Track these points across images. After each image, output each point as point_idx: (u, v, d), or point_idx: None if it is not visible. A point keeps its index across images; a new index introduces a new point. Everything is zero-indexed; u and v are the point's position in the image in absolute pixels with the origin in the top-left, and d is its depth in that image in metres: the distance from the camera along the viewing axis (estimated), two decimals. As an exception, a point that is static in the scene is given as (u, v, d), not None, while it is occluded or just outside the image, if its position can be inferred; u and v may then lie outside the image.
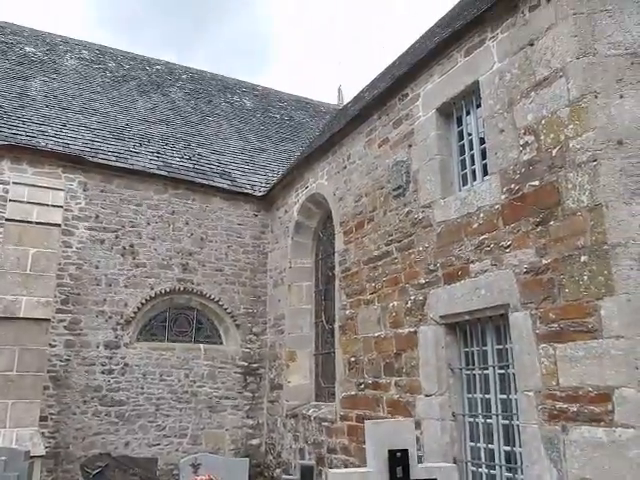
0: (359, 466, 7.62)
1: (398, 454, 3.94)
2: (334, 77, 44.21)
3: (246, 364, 10.81)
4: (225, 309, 10.83)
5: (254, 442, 10.52)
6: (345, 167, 8.98)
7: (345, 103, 16.14)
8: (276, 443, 10.14)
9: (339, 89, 18.90)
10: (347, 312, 8.43)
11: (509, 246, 5.51)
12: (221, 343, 10.86)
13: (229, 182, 11.62)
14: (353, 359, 8.11)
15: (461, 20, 6.93)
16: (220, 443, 10.14)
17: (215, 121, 14.07)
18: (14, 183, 9.35)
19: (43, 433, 8.51)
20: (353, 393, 8.00)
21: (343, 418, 8.18)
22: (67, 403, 9.18)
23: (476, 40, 6.28)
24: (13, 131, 10.04)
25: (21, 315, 8.37)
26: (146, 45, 48.52)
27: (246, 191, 11.65)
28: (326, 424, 8.58)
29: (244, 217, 11.53)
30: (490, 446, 5.81)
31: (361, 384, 7.83)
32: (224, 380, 10.52)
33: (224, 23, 51.09)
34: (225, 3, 51.52)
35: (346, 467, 7.87)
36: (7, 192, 9.27)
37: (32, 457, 6.79)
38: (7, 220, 8.90)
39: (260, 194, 11.69)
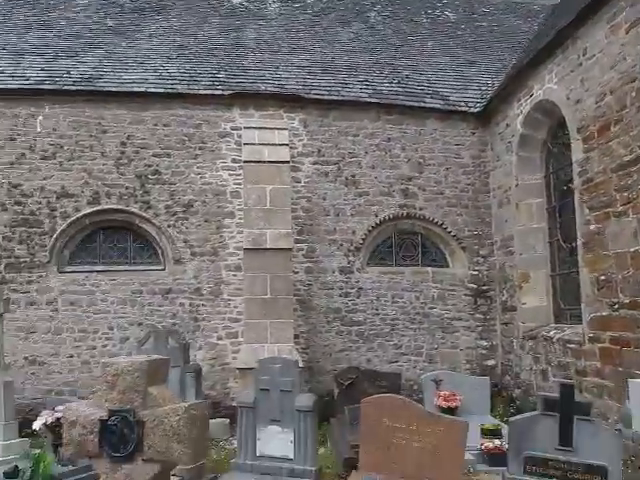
0: (613, 390, 7.12)
1: None
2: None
3: (475, 286, 10.65)
4: (449, 232, 10.68)
5: (489, 363, 10.47)
6: (580, 64, 7.90)
7: (563, -7, 14.12)
8: (513, 364, 9.94)
9: (552, -21, 16.58)
10: (592, 227, 7.64)
11: None
12: (448, 266, 10.82)
13: (441, 101, 11.15)
14: (603, 277, 7.38)
15: None
16: (455, 363, 10.30)
17: (419, 40, 13.47)
18: (245, 128, 10.16)
19: (297, 349, 9.50)
20: (605, 314, 7.33)
21: (593, 340, 7.60)
22: (313, 323, 10.10)
23: None
24: (237, 80, 10.84)
25: (267, 246, 9.26)
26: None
27: (460, 109, 11.08)
28: (572, 346, 8.08)
29: (461, 137, 11.03)
30: None
31: (615, 304, 7.12)
32: (454, 302, 10.54)
33: None
34: None
35: (599, 390, 7.40)
36: (240, 137, 10.12)
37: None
38: (245, 162, 9.76)
39: (476, 110, 11.02)
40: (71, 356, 9.48)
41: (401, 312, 10.45)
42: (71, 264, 9.78)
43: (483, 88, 11.54)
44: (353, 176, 10.56)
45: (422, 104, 11.00)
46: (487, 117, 10.99)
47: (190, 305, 9.77)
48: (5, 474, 5.93)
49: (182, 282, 9.80)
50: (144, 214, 9.77)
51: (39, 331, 9.42)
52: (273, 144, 9.91)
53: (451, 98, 11.25)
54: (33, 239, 9.52)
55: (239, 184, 9.94)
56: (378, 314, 10.38)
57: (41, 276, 9.50)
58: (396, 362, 10.28)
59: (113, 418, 2.77)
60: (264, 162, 9.65)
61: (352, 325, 10.27)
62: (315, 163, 10.48)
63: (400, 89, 11.27)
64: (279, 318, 9.07)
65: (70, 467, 6.38)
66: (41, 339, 9.41)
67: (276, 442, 6.18)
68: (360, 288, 10.38)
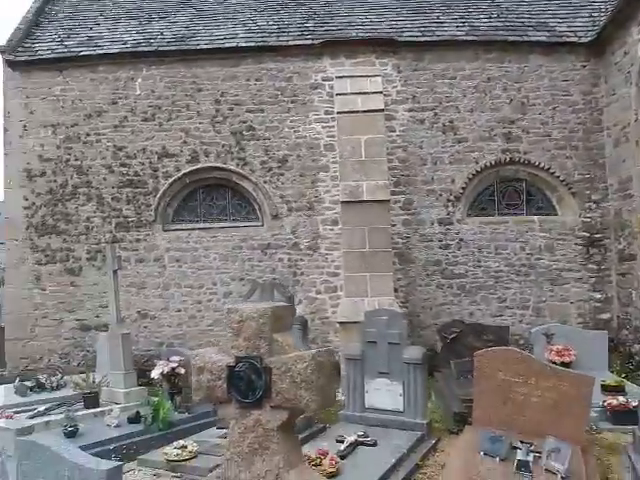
0: None
1: None
2: None
3: (587, 235, 9.88)
4: (557, 177, 9.92)
5: (604, 316, 9.77)
6: None
7: None
8: (632, 318, 9.21)
9: None
10: None
11: None
12: (556, 214, 10.09)
13: (546, 33, 10.19)
14: None
15: None
16: (565, 316, 9.71)
17: (518, -32, 12.34)
18: (337, 77, 9.83)
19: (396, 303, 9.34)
20: None
21: None
22: (412, 277, 9.87)
23: None
24: (326, 28, 10.48)
25: (364, 198, 9.03)
26: None
27: (568, 40, 10.08)
28: None
29: (569, 71, 10.07)
30: None
31: None
32: (563, 252, 9.86)
33: None
34: None
35: None
36: (332, 87, 9.84)
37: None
38: (338, 113, 9.49)
39: (587, 40, 9.97)
40: (179, 310, 9.92)
41: (505, 264, 9.94)
42: (174, 222, 10.13)
43: (595, 14, 10.42)
44: (451, 122, 10.01)
45: (525, 38, 10.13)
46: (600, 47, 9.93)
47: (289, 260, 9.85)
48: (129, 419, 6.34)
49: (280, 237, 9.87)
50: (241, 171, 9.86)
51: (149, 287, 9.91)
52: (366, 92, 9.53)
53: (557, 29, 10.26)
54: (139, 199, 9.92)
55: (333, 136, 9.74)
56: (480, 266, 9.95)
57: (148, 234, 9.92)
58: (500, 316, 9.86)
59: (240, 365, 2.75)
60: (357, 112, 9.32)
61: (453, 278, 9.93)
62: (410, 110, 10.03)
63: (499, 24, 10.43)
64: (378, 271, 8.89)
65: (186, 414, 6.74)
66: (151, 294, 9.91)
67: (384, 394, 6.13)
68: (461, 240, 9.96)
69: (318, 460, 4.64)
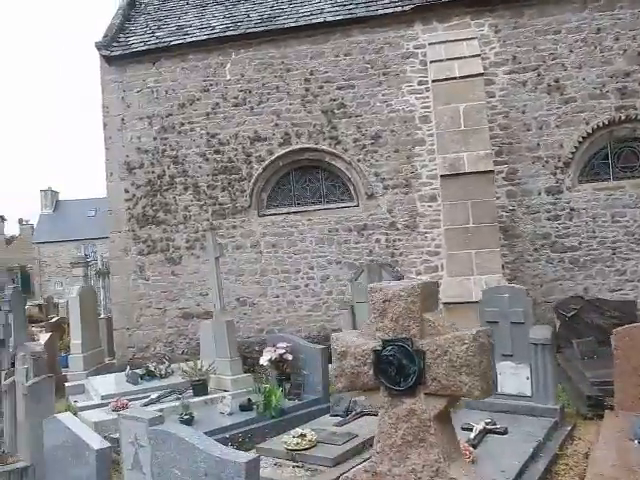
0: None
1: None
2: None
3: None
4: (683, 133, 8.88)
5: None
6: None
7: None
8: None
9: None
10: None
11: None
12: (683, 174, 9.07)
13: (664, -26, 9.09)
14: None
15: None
16: (699, 287, 8.74)
17: None
18: (429, 44, 9.29)
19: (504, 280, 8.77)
20: None
21: None
22: (519, 252, 9.23)
23: None
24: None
25: (465, 170, 8.49)
26: None
27: (691, -22, 8.93)
28: None
29: (694, 13, 8.93)
30: None
31: None
32: (694, 217, 8.85)
33: None
34: None
35: None
36: (425, 55, 9.32)
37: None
38: (433, 81, 8.96)
39: None
40: (277, 296, 9.88)
41: (624, 233, 9.06)
42: (269, 207, 10.07)
43: None
44: (556, 81, 9.19)
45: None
46: None
47: (386, 240, 9.52)
48: (241, 407, 6.30)
49: (376, 217, 9.55)
50: (333, 150, 9.60)
51: (246, 273, 9.94)
52: (463, 57, 8.93)
53: (677, -33, 9.12)
54: (233, 185, 9.94)
55: (427, 107, 9.24)
56: (595, 237, 9.13)
57: (244, 220, 9.93)
58: (619, 290, 9.01)
59: (389, 348, 2.46)
60: (454, 78, 8.75)
61: (564, 251, 9.19)
62: (510, 72, 9.31)
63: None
64: (484, 247, 8.35)
65: (296, 401, 6.62)
66: (249, 281, 9.93)
67: (509, 378, 5.70)
68: (572, 209, 9.18)
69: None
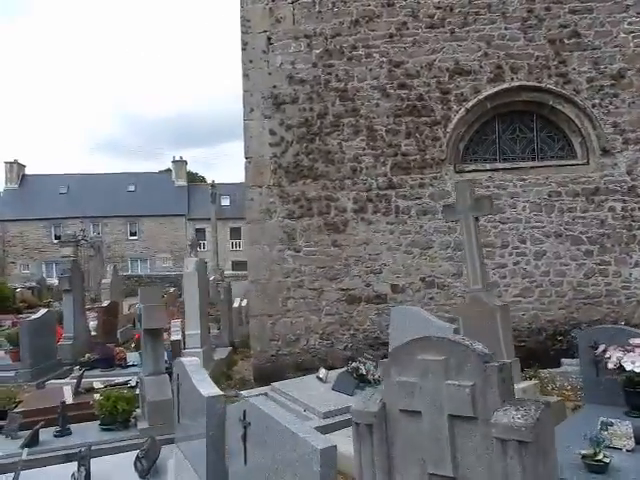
0: None
1: None
2: None
3: None
4: None
5: None
6: None
7: None
8: None
9: None
10: None
11: None
12: None
13: None
14: None
15: None
16: None
17: None
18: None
19: None
20: None
21: None
22: None
23: None
24: None
25: None
26: None
27: None
28: None
29: None
30: None
31: None
32: None
33: None
34: None
35: None
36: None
37: None
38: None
39: None
40: (457, 276, 7.67)
41: None
42: (467, 161, 7.82)
43: None
44: None
45: None
46: None
47: (622, 210, 7.48)
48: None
49: (611, 179, 7.49)
50: (562, 91, 7.45)
51: (435, 246, 7.66)
52: None
53: None
54: (423, 131, 7.61)
55: (689, 41, 7.27)
56: None
57: (435, 177, 7.63)
58: None
59: None
60: None
61: None
62: None
63: None
64: None
65: None
66: (439, 256, 7.66)
67: None
68: None
69: None
